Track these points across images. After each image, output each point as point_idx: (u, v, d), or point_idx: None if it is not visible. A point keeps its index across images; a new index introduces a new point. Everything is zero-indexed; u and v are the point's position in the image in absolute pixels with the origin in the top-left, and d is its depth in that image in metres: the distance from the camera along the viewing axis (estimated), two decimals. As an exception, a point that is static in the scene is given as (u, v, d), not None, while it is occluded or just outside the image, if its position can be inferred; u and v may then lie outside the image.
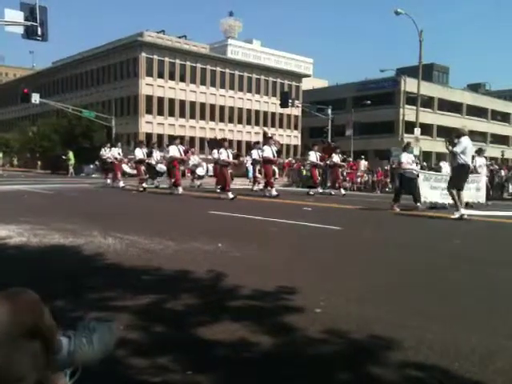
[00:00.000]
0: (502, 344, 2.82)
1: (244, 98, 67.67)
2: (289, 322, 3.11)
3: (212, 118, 64.66)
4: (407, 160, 12.54)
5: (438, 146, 65.24)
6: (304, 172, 26.91)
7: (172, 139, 19.75)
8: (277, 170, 17.77)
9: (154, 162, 19.61)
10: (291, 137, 70.93)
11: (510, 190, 22.79)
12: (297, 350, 2.70)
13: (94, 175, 38.01)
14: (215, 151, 17.30)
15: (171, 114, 61.01)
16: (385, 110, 61.62)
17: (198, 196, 15.68)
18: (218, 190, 16.52)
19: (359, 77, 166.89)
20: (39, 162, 49.48)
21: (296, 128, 70.88)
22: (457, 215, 9.98)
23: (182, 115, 61.97)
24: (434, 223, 10.33)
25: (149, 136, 53.64)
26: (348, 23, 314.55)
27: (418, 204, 12.30)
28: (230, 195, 14.14)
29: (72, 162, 37.69)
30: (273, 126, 69.70)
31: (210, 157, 21.96)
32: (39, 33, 17.79)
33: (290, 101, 40.91)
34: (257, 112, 69.17)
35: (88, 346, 1.81)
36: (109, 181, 20.95)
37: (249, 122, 68.34)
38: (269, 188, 16.07)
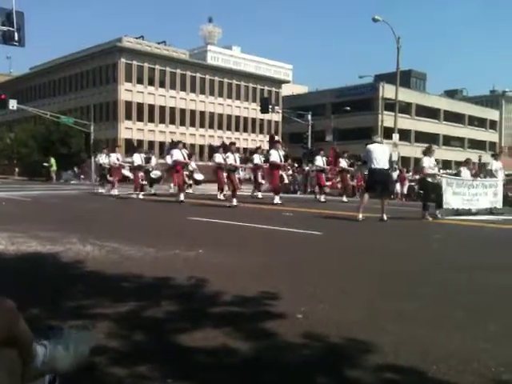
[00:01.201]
0: (481, 347, 2.86)
1: (224, 104, 67.71)
2: (270, 327, 3.11)
3: (192, 124, 64.52)
4: (429, 165, 11.71)
5: (417, 151, 66.20)
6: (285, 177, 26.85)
7: (170, 144, 19.31)
8: (285, 176, 16.83)
9: (151, 169, 19.22)
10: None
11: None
12: (277, 355, 2.70)
13: (72, 181, 37.62)
14: (217, 155, 16.49)
15: (151, 119, 60.72)
16: (364, 116, 62.25)
17: (193, 203, 15.38)
18: (220, 197, 16.23)
19: (338, 83, 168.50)
20: (17, 169, 48.83)
21: (276, 133, 70.95)
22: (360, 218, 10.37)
23: (162, 121, 61.73)
24: (415, 227, 10.45)
25: (128, 142, 53.25)
26: (327, 30, 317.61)
27: (437, 212, 11.66)
28: (235, 202, 13.64)
29: (54, 168, 37.28)
30: (253, 131, 69.86)
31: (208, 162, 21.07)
32: (16, 38, 17.51)
33: (270, 106, 41.07)
34: (237, 118, 69.25)
35: (64, 354, 1.79)
36: (106, 188, 19.99)
37: (229, 128, 68.36)
38: (272, 194, 15.40)
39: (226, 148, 16.23)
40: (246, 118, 69.93)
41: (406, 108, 63.92)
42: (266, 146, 51.66)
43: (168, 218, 11.22)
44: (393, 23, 31.60)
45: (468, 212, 12.15)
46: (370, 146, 10.78)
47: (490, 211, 12.73)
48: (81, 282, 4.40)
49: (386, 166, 10.84)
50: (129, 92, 58.49)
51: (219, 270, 4.94)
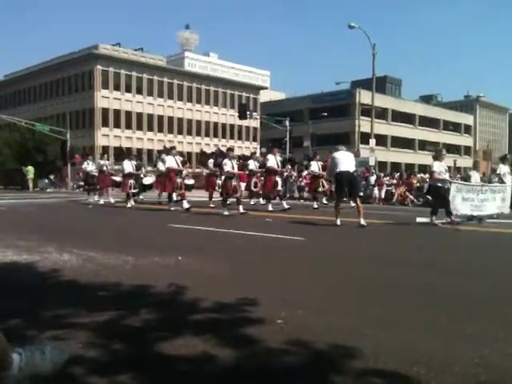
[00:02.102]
0: (460, 349, 2.90)
1: (202, 111, 67.68)
2: (250, 333, 3.10)
3: (170, 131, 64.31)
4: (440, 169, 11.22)
5: (392, 156, 67.05)
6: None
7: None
8: (279, 181, 16.05)
9: (142, 175, 18.80)
10: (250, 148, 71.32)
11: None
12: (258, 361, 2.70)
13: (48, 190, 37.07)
14: (212, 161, 16.08)
15: (128, 126, 60.35)
16: (341, 122, 62.88)
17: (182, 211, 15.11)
18: (212, 205, 15.84)
19: (316, 89, 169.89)
20: (-9, 178, 47.88)
21: (255, 140, 71.31)
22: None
23: (140, 128, 61.41)
24: (396, 232, 10.55)
25: (105, 149, 52.75)
26: (304, 36, 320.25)
27: (447, 219, 11.20)
28: (226, 212, 13.12)
29: (31, 176, 36.75)
30: (232, 138, 69.93)
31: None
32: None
33: (248, 113, 41.17)
34: (215, 124, 69.27)
35: (41, 360, 1.77)
36: (96, 197, 19.01)
37: (207, 135, 68.31)
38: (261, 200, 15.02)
39: (223, 154, 15.70)
40: (224, 125, 70.00)
41: (382, 113, 64.80)
42: (244, 152, 51.51)
43: (149, 226, 11.13)
44: (368, 30, 31.98)
45: (479, 218, 11.75)
46: (335, 154, 11.05)
47: (494, 217, 12.26)
48: (58, 291, 4.33)
49: (352, 169, 10.98)
50: (105, 99, 58.06)
51: (199, 277, 4.91)
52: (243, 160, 19.18)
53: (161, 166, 16.65)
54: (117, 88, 59.02)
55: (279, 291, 4.42)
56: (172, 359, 2.68)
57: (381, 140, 57.00)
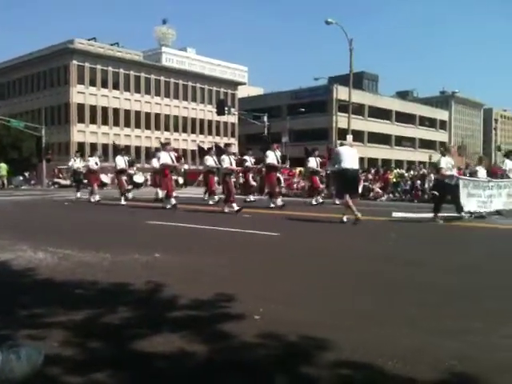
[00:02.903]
0: (433, 341, 2.96)
1: (180, 106, 67.26)
2: (228, 329, 3.12)
3: (148, 127, 63.77)
4: (447, 165, 11.09)
5: (369, 151, 67.62)
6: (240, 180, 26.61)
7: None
8: (282, 178, 14.93)
9: (134, 172, 18.29)
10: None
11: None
12: (235, 356, 2.72)
13: (23, 187, 36.50)
14: (208, 157, 15.66)
15: (104, 122, 59.65)
16: (318, 118, 63.15)
17: (152, 207, 15.13)
18: (211, 202, 15.47)
19: (294, 85, 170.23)
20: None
21: (233, 135, 71.19)
22: (345, 219, 10.13)
23: (116, 124, 60.73)
24: (368, 227, 10.66)
25: (81, 145, 52.09)
26: (282, 32, 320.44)
27: (462, 213, 11.24)
28: (235, 207, 12.52)
29: (4, 173, 36.05)
30: (210, 133, 69.69)
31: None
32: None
33: (226, 108, 41.09)
34: (193, 120, 68.92)
35: (16, 365, 1.75)
36: (79, 194, 18.62)
37: (185, 130, 67.95)
38: (273, 199, 14.39)
39: (221, 150, 15.22)
40: (202, 120, 69.69)
41: (359, 109, 65.24)
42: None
43: (128, 223, 11.03)
44: (346, 26, 32.13)
45: (481, 216, 11.63)
46: (341, 149, 10.77)
47: (499, 213, 12.10)
48: (33, 290, 4.28)
49: (356, 167, 10.77)
50: (81, 94, 57.28)
51: (177, 274, 4.90)
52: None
53: (154, 163, 16.28)
54: (93, 83, 58.25)
55: (257, 286, 4.44)
56: (150, 356, 2.68)
57: (358, 136, 57.35)
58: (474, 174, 13.73)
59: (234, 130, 71.47)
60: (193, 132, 68.42)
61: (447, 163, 11.14)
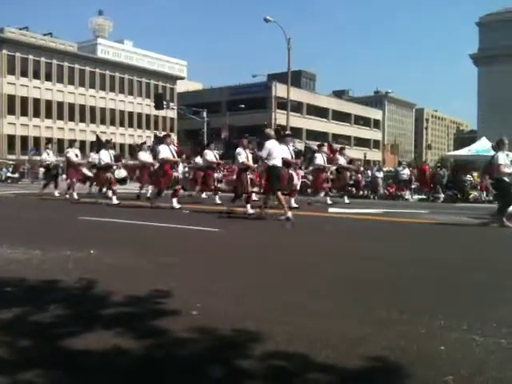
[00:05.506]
0: (366, 332, 3.07)
1: (116, 99, 65.67)
2: (163, 325, 3.09)
3: (82, 120, 61.88)
4: (505, 161, 9.85)
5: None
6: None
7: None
8: (295, 175, 13.71)
9: (115, 168, 16.91)
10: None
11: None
12: (169, 351, 2.71)
13: None
14: (207, 151, 14.75)
15: (36, 114, 57.33)
16: (258, 114, 63.53)
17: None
18: (218, 202, 14.36)
19: (233, 81, 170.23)
20: None
21: (172, 130, 70.22)
22: (283, 217, 9.79)
23: (49, 116, 58.52)
24: (311, 222, 10.84)
25: (11, 138, 49.81)
26: (221, 27, 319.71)
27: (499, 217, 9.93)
28: (250, 210, 11.02)
29: None
30: (148, 128, 68.55)
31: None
32: None
33: (165, 103, 40.45)
34: (130, 114, 67.52)
35: None
36: (57, 193, 16.68)
37: (122, 124, 66.45)
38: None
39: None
40: (139, 114, 68.45)
41: (297, 107, 66.27)
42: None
43: (59, 220, 10.64)
44: (284, 24, 32.49)
45: None
46: (270, 143, 10.33)
47: None
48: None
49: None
50: (12, 85, 54.76)
51: (111, 271, 4.81)
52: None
53: (142, 157, 15.33)
54: (24, 74, 55.82)
55: (195, 282, 4.43)
56: (83, 354, 2.62)
57: (296, 133, 58.14)
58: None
59: (173, 125, 70.64)
60: (130, 126, 67.05)
61: (505, 159, 9.93)
